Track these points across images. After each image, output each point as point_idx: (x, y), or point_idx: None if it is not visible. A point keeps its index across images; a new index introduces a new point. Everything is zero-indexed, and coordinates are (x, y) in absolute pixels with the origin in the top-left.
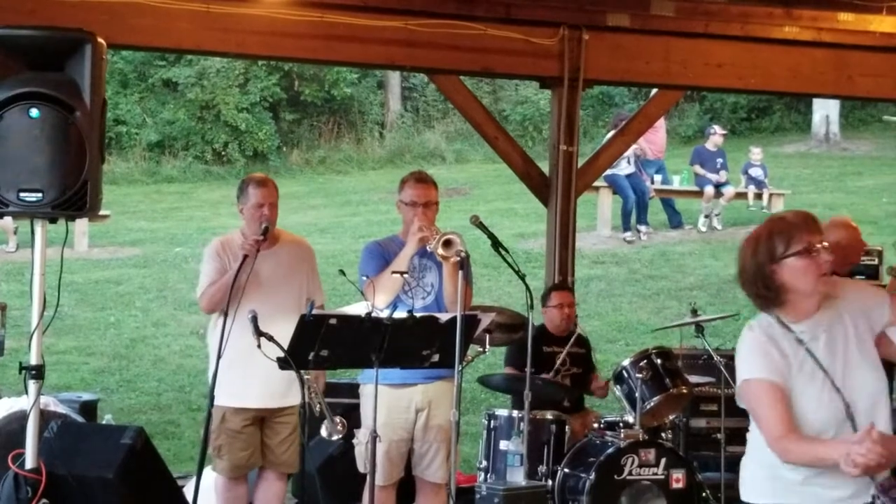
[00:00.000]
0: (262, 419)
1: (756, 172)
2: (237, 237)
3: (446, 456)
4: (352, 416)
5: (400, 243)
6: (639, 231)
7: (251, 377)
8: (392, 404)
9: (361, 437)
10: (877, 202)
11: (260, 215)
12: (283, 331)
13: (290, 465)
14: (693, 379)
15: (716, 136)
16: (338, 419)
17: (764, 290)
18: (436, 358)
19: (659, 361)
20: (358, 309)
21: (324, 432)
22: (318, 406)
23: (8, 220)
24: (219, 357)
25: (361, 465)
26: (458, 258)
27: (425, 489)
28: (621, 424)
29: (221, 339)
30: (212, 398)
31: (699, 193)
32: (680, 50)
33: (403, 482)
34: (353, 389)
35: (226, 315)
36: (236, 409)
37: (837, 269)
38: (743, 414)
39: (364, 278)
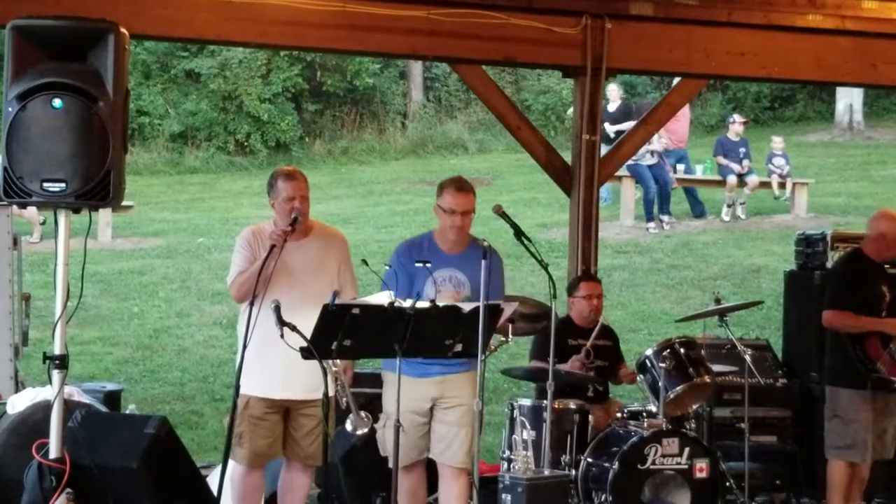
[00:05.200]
0: (286, 410)
1: (778, 162)
2: (269, 227)
3: (465, 440)
4: (375, 406)
5: (433, 248)
6: (661, 221)
7: (277, 367)
8: (410, 392)
9: (380, 422)
10: None
11: (291, 208)
12: (311, 321)
13: (316, 457)
14: (716, 368)
15: (736, 125)
16: (363, 414)
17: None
18: (459, 347)
19: (682, 351)
20: (381, 298)
21: (349, 426)
22: (344, 399)
23: (33, 211)
24: (244, 346)
25: (382, 449)
26: (481, 248)
27: (445, 474)
28: (644, 414)
29: (247, 328)
30: (237, 387)
31: (722, 183)
32: (702, 38)
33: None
34: (376, 379)
35: (252, 304)
36: (260, 398)
37: (887, 256)
38: (767, 403)
39: (385, 283)
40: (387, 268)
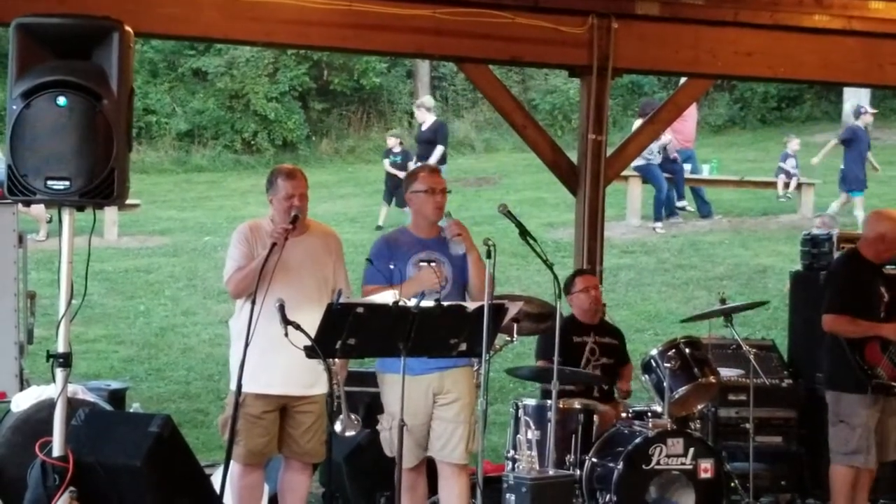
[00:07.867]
0: (283, 408)
1: (791, 163)
2: (266, 223)
3: (463, 436)
4: (378, 406)
5: (410, 237)
6: (668, 220)
7: (275, 364)
8: (410, 390)
9: (385, 423)
10: None
11: (290, 206)
12: (309, 319)
13: (314, 455)
14: (722, 369)
15: (867, 116)
16: (353, 416)
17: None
18: (463, 347)
19: (687, 351)
20: (385, 297)
21: (338, 427)
22: (337, 399)
23: (41, 209)
24: (246, 345)
25: (387, 449)
26: (486, 248)
27: (445, 471)
28: (649, 414)
29: (249, 325)
30: (239, 385)
31: (728, 182)
32: (709, 38)
33: (432, 469)
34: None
35: (253, 302)
36: (257, 395)
37: (886, 258)
38: (773, 404)
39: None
40: (368, 264)
